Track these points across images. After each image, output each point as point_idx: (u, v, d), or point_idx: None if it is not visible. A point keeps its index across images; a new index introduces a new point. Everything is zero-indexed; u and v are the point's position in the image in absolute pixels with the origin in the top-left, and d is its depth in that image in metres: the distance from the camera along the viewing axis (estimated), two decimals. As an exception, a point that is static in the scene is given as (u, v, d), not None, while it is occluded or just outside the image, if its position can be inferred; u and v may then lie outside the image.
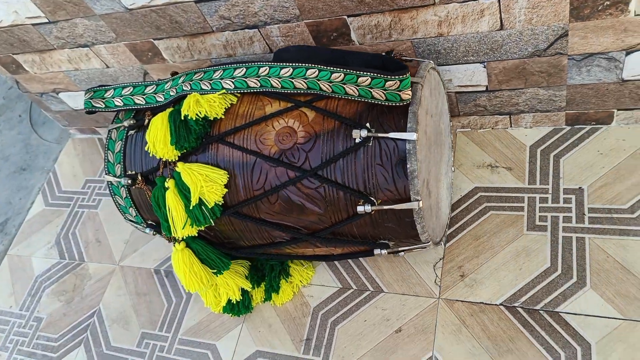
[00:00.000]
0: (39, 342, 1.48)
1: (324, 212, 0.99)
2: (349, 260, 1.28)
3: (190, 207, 1.03)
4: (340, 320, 1.21)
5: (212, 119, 1.03)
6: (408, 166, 0.91)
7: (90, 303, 1.49)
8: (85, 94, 1.21)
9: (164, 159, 1.07)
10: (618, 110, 1.19)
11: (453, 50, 1.14)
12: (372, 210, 0.94)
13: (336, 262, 1.29)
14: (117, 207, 1.22)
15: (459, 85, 1.24)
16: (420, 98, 0.93)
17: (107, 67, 1.50)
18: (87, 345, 1.42)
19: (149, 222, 1.21)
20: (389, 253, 1.09)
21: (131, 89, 1.17)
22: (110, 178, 1.18)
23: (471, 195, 1.26)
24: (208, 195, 1.02)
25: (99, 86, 1.22)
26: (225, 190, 1.03)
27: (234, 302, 1.26)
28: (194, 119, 1.02)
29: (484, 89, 1.23)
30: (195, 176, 1.02)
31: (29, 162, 1.99)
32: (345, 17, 1.13)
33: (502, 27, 1.06)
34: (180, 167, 1.04)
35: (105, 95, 1.19)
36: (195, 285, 1.15)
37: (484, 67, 1.17)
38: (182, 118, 1.03)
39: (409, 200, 0.93)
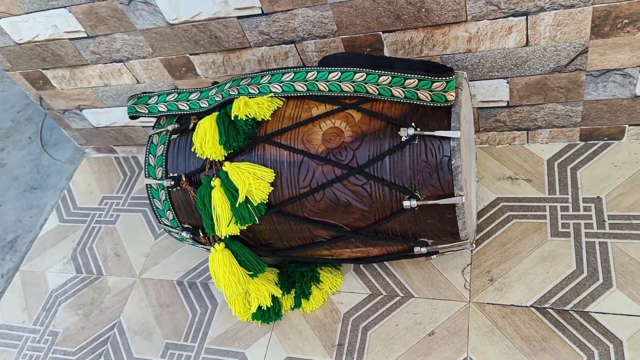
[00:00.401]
0: (56, 356, 1.44)
1: (369, 208, 1.03)
2: (377, 268, 1.31)
3: (237, 205, 1.06)
4: (371, 326, 1.23)
5: (260, 120, 1.08)
6: (453, 162, 0.96)
7: (110, 316, 1.48)
8: (129, 100, 1.26)
9: (210, 159, 1.10)
10: (630, 125, 1.28)
11: (479, 66, 1.23)
12: (417, 205, 0.99)
13: (364, 269, 1.32)
14: (154, 211, 1.24)
15: (481, 101, 1.32)
16: (460, 102, 1.00)
17: (138, 82, 1.55)
18: (108, 358, 1.39)
19: (185, 225, 1.23)
20: (426, 254, 1.13)
21: (175, 95, 1.21)
22: (151, 181, 1.20)
23: (494, 205, 1.32)
24: (256, 192, 1.05)
25: (142, 93, 1.26)
26: (272, 188, 1.06)
27: (265, 309, 1.26)
28: (244, 119, 1.06)
29: (505, 104, 1.31)
30: (243, 174, 1.05)
31: (40, 181, 1.99)
32: (381, 33, 1.21)
33: (527, 44, 1.16)
34: (228, 166, 1.08)
35: (149, 102, 1.24)
36: (234, 287, 1.16)
37: (507, 83, 1.25)
38: (232, 119, 1.07)
39: (452, 195, 0.98)
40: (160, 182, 1.19)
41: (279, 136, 1.07)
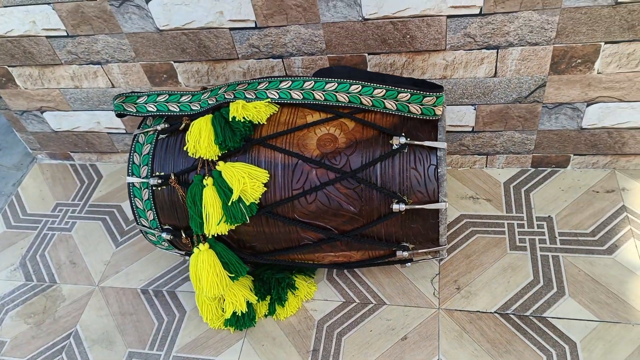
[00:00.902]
0: (1, 367, 1.34)
1: (359, 211, 1.09)
2: (350, 277, 1.36)
3: (229, 204, 1.08)
4: (346, 332, 1.26)
5: (256, 123, 1.12)
6: (439, 171, 1.05)
7: (65, 325, 1.40)
8: (115, 98, 1.25)
9: (203, 158, 1.12)
10: (574, 155, 1.45)
11: (452, 92, 1.35)
12: (405, 209, 1.06)
13: (337, 278, 1.36)
14: (133, 211, 1.22)
15: (450, 125, 1.44)
16: (445, 117, 1.11)
17: (113, 86, 1.53)
18: (63, 368, 1.31)
19: (166, 227, 1.22)
20: (402, 261, 1.19)
21: (166, 97, 1.22)
22: (134, 179, 1.19)
23: (458, 221, 1.42)
24: (250, 192, 1.08)
25: (131, 92, 1.26)
26: (265, 189, 1.09)
27: (239, 315, 1.26)
28: (241, 120, 1.10)
29: (471, 129, 1.44)
30: (239, 173, 1.08)
31: (-19, 186, 1.87)
32: (366, 54, 1.31)
33: (495, 75, 1.30)
34: (222, 165, 1.10)
35: (137, 101, 1.24)
36: (215, 289, 1.16)
37: (474, 109, 1.39)
38: (228, 120, 1.11)
39: (437, 201, 1.06)
40: (144, 180, 1.18)
41: (274, 140, 1.12)
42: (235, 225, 1.11)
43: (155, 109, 1.21)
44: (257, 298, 1.27)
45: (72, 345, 1.35)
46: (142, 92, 1.25)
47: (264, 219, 1.13)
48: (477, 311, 1.25)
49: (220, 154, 1.12)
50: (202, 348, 1.29)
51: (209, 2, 1.27)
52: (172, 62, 1.43)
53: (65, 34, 1.42)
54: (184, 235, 1.19)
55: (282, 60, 1.37)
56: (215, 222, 1.10)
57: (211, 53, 1.38)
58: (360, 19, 1.23)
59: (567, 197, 1.43)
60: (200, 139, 1.11)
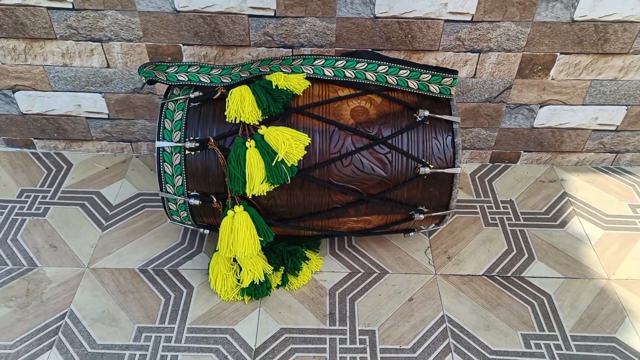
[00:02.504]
0: (-16, 352, 1.20)
1: (388, 175, 1.22)
2: (352, 251, 1.46)
3: (273, 164, 1.15)
4: (357, 297, 1.36)
5: (295, 93, 1.21)
6: (455, 140, 1.23)
7: (57, 306, 1.30)
8: (145, 66, 1.26)
9: (247, 122, 1.18)
10: (524, 151, 1.74)
11: (437, 89, 1.57)
12: (429, 172, 1.22)
13: (340, 253, 1.45)
14: (160, 177, 1.22)
15: (428, 121, 1.65)
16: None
17: (108, 66, 1.52)
18: (62, 347, 1.22)
19: (192, 192, 1.23)
20: (406, 230, 1.34)
21: (197, 68, 1.27)
22: (165, 144, 1.20)
23: (438, 205, 1.61)
24: (293, 153, 1.16)
25: (159, 61, 1.28)
26: (305, 152, 1.18)
27: (257, 284, 1.30)
28: (284, 89, 1.19)
29: (446, 125, 1.66)
30: (284, 136, 1.16)
31: None
32: (370, 49, 1.48)
33: (474, 76, 1.54)
34: (264, 129, 1.17)
35: (167, 70, 1.26)
36: (250, 249, 1.19)
37: (452, 107, 1.61)
38: (272, 88, 1.19)
39: (454, 167, 1.24)
40: (177, 144, 1.20)
41: (311, 109, 1.22)
42: (275, 185, 1.17)
43: (187, 78, 1.25)
44: (272, 268, 1.32)
45: (68, 324, 1.26)
46: (171, 63, 1.28)
47: (299, 181, 1.21)
48: (468, 274, 1.42)
49: (261, 119, 1.19)
50: (218, 319, 1.29)
51: (235, -13, 1.36)
52: (181, 44, 1.47)
53: (70, 6, 1.39)
54: (215, 199, 1.22)
55: (292, 50, 1.48)
56: (258, 182, 1.15)
57: (224, 38, 1.45)
58: (371, 16, 1.41)
59: (521, 185, 1.69)
60: (244, 104, 1.17)
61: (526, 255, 1.48)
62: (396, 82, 1.26)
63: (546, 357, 1.24)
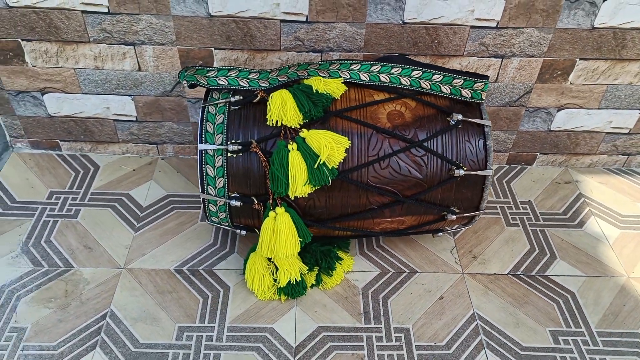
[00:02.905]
0: (29, 352, 1.21)
1: (423, 177, 1.26)
2: (381, 251, 1.50)
3: (315, 166, 1.18)
4: (389, 296, 1.40)
5: (334, 97, 1.25)
6: (487, 143, 1.28)
7: (97, 306, 1.32)
8: (187, 70, 1.28)
9: (288, 126, 1.21)
10: (540, 153, 1.79)
11: (460, 93, 1.61)
12: (463, 174, 1.26)
13: (369, 253, 1.49)
14: (202, 179, 1.24)
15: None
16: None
17: (140, 69, 1.54)
18: (106, 347, 1.24)
19: (233, 194, 1.26)
20: (436, 230, 1.38)
21: (237, 72, 1.30)
22: (207, 146, 1.23)
23: (460, 205, 1.66)
24: (334, 156, 1.19)
25: (200, 65, 1.30)
26: (345, 154, 1.22)
27: (294, 283, 1.33)
28: (324, 93, 1.22)
29: (467, 128, 1.71)
30: (326, 139, 1.19)
31: (-60, 176, 1.67)
32: (397, 54, 1.52)
33: (496, 80, 1.59)
34: (306, 132, 1.21)
35: (207, 74, 1.29)
36: (291, 248, 1.23)
37: (474, 110, 1.66)
38: (312, 93, 1.22)
39: (485, 169, 1.28)
40: (220, 147, 1.22)
41: (349, 112, 1.26)
42: (317, 187, 1.21)
43: (227, 82, 1.28)
44: (307, 268, 1.35)
45: (110, 324, 1.28)
46: (210, 67, 1.31)
47: (338, 183, 1.24)
48: (494, 273, 1.47)
49: (302, 123, 1.22)
50: (256, 317, 1.32)
51: (269, -7, 1.39)
52: (213, 48, 1.49)
53: (106, 10, 1.41)
54: (256, 201, 1.25)
55: (321, 55, 1.52)
56: (301, 184, 1.18)
57: (255, 42, 1.48)
58: (400, 22, 1.45)
59: (538, 186, 1.75)
60: (285, 108, 1.21)
61: (548, 255, 1.53)
62: (429, 87, 1.30)
63: (575, 353, 1.29)
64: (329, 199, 1.27)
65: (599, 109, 1.67)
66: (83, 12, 1.42)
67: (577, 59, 1.55)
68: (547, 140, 1.75)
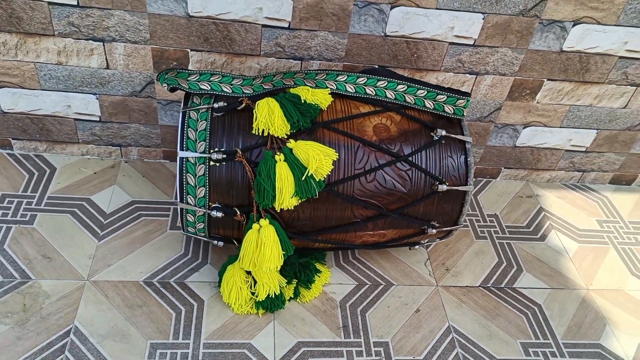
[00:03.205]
0: (-18, 374, 1.11)
1: (407, 191, 1.26)
2: (357, 263, 1.49)
3: (303, 178, 1.16)
4: (367, 309, 1.39)
5: (321, 108, 1.23)
6: (468, 159, 1.30)
7: (59, 322, 1.22)
8: (167, 72, 1.22)
9: (275, 135, 1.18)
10: (504, 168, 1.85)
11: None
12: (446, 189, 1.27)
13: (345, 265, 1.48)
14: (181, 188, 1.18)
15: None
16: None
17: (108, 67, 1.45)
18: (70, 367, 1.15)
19: (214, 204, 1.21)
20: (412, 244, 1.39)
21: (219, 77, 1.24)
22: (189, 154, 1.17)
23: (431, 217, 1.68)
24: (322, 168, 1.17)
25: (181, 68, 1.24)
26: (332, 167, 1.20)
27: (273, 297, 1.29)
28: (312, 103, 1.20)
29: (439, 141, 1.73)
30: (314, 151, 1.17)
31: None
32: (376, 66, 1.52)
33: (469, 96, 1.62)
34: (294, 143, 1.18)
35: (189, 78, 1.23)
36: (275, 261, 1.19)
37: (447, 124, 1.69)
38: (300, 103, 1.19)
39: (466, 184, 1.30)
40: (202, 155, 1.17)
41: (336, 124, 1.24)
42: (303, 199, 1.18)
43: (209, 87, 1.23)
44: (285, 281, 1.32)
45: (75, 342, 1.19)
46: (192, 70, 1.25)
47: (324, 195, 1.22)
48: (466, 286, 1.50)
49: (289, 133, 1.19)
50: (233, 333, 1.27)
51: (253, -3, 1.35)
52: (189, 49, 1.43)
53: (75, 3, 1.32)
54: (238, 212, 1.21)
55: (302, 63, 1.49)
56: (288, 196, 1.15)
57: (234, 46, 1.44)
58: (382, 34, 1.45)
59: (503, 200, 1.81)
60: (272, 117, 1.17)
61: (515, 267, 1.58)
62: (413, 101, 1.31)
63: (544, 363, 1.34)
64: (314, 211, 1.24)
65: (560, 127, 1.75)
66: (50, 3, 1.31)
67: (545, 80, 1.61)
68: (512, 156, 1.82)
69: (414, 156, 1.26)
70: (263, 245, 1.18)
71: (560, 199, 1.86)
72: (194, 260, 1.42)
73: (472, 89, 1.61)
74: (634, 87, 1.66)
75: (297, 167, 1.16)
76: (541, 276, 1.57)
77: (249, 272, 1.29)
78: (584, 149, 1.83)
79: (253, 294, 1.29)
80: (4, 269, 1.31)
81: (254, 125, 1.18)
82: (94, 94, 1.50)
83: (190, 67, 1.47)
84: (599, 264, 1.64)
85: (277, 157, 1.16)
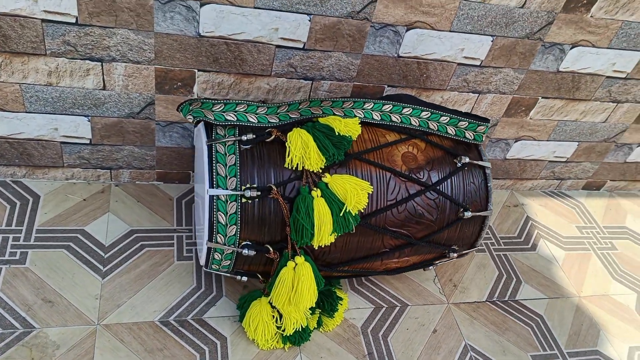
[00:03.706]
0: None
1: (434, 219, 1.27)
2: (370, 285, 1.49)
3: (341, 214, 1.12)
4: (388, 333, 1.39)
5: (353, 139, 1.19)
6: (489, 184, 1.33)
7: (75, 376, 1.12)
8: (192, 103, 1.13)
9: (310, 170, 1.13)
10: (493, 179, 1.91)
11: (437, 125, 1.64)
12: (470, 215, 1.29)
13: (359, 287, 1.47)
14: (212, 227, 1.11)
15: (422, 152, 1.73)
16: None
17: (104, 88, 1.33)
18: None
19: (245, 242, 1.15)
20: (426, 265, 1.41)
21: (245, 107, 1.17)
22: (220, 192, 1.10)
23: (432, 232, 1.70)
24: (358, 202, 1.14)
25: (204, 98, 1.15)
26: (367, 200, 1.17)
27: (299, 330, 1.26)
28: (346, 135, 1.16)
29: (437, 156, 1.75)
30: (350, 185, 1.13)
31: None
32: (386, 86, 1.50)
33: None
34: (329, 178, 1.14)
35: (213, 108, 1.14)
36: (312, 299, 1.16)
37: (446, 140, 1.71)
38: (334, 135, 1.15)
39: (486, 209, 1.33)
40: (235, 192, 1.10)
41: (367, 154, 1.21)
42: (340, 234, 1.15)
43: (236, 118, 1.15)
44: (310, 312, 1.29)
45: (97, 397, 1.10)
46: (216, 100, 1.17)
47: (357, 228, 1.19)
48: (475, 302, 1.54)
49: (323, 167, 1.15)
50: (262, 371, 1.23)
51: (269, 18, 1.27)
52: (196, 70, 1.34)
53: (73, 21, 1.18)
54: (271, 249, 1.15)
55: (312, 83, 1.44)
56: (327, 233, 1.12)
57: (245, 67, 1.36)
58: (395, 55, 1.43)
59: (494, 210, 1.87)
60: (308, 151, 1.12)
61: (514, 279, 1.64)
62: (436, 128, 1.31)
63: (554, 375, 1.41)
64: (345, 244, 1.22)
65: (547, 140, 1.82)
66: (43, 20, 1.17)
67: (540, 97, 1.67)
68: (501, 167, 1.87)
69: (441, 185, 1.27)
70: (300, 284, 1.14)
71: (543, 206, 1.95)
72: (209, 293, 1.35)
73: (472, 107, 1.63)
74: (615, 104, 1.76)
75: (334, 203, 1.13)
76: (538, 286, 1.64)
77: (273, 307, 1.24)
78: (564, 159, 1.92)
79: (279, 327, 1.25)
80: (1, 318, 1.17)
81: (287, 160, 1.13)
82: (85, 116, 1.37)
83: (196, 88, 1.37)
84: (585, 270, 1.74)
85: (313, 193, 1.12)
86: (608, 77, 1.66)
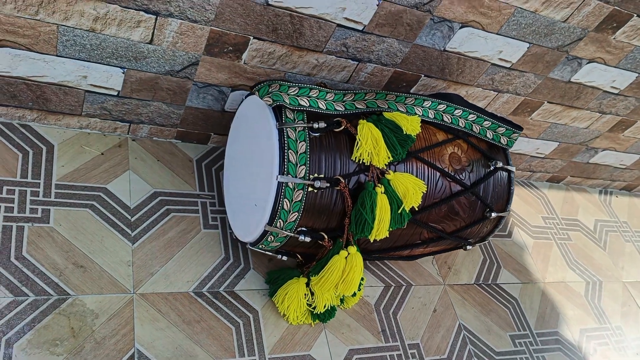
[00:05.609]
0: (52, 419, 0.97)
1: (466, 217, 1.36)
2: (380, 264, 1.57)
3: (399, 211, 1.17)
4: (397, 311, 1.50)
5: (414, 138, 1.22)
6: (512, 188, 1.43)
7: (118, 346, 1.10)
8: (270, 84, 1.07)
9: (376, 166, 1.15)
10: (481, 166, 2.04)
11: (454, 115, 1.71)
12: (495, 216, 1.40)
13: (371, 266, 1.55)
14: (275, 212, 1.11)
15: (431, 137, 1.79)
16: (501, 146, 1.48)
17: (151, 42, 1.22)
18: (147, 399, 1.06)
19: (301, 228, 1.16)
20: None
21: (317, 92, 1.14)
22: (289, 179, 1.09)
23: (429, 214, 1.81)
24: (414, 201, 1.20)
25: (280, 80, 1.10)
26: (421, 199, 1.23)
27: (328, 309, 1.32)
28: (410, 135, 1.19)
29: (443, 142, 1.83)
30: (410, 184, 1.18)
31: None
32: (423, 75, 1.52)
33: (485, 108, 1.73)
34: (392, 175, 1.17)
35: (289, 91, 1.10)
36: (357, 286, 1.21)
37: (456, 129, 1.78)
38: (402, 133, 1.17)
39: (505, 210, 1.44)
40: (304, 181, 1.10)
41: (422, 153, 1.25)
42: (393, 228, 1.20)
43: (308, 104, 1.13)
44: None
45: (143, 370, 1.09)
46: (291, 82, 1.12)
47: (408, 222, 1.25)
48: (465, 284, 1.69)
49: (387, 163, 1.18)
50: (292, 345, 1.29)
51: (341, -4, 1.23)
52: (252, 36, 1.26)
53: (139, -32, 1.06)
54: (326, 237, 1.18)
55: (357, 64, 1.42)
56: (385, 228, 1.16)
57: (301, 40, 1.31)
58: (442, 49, 1.45)
59: (478, 196, 2.01)
60: (378, 148, 1.14)
61: (496, 264, 1.82)
62: (478, 131, 1.37)
63: (527, 354, 1.62)
64: (389, 237, 1.27)
65: (536, 138, 1.97)
66: (106, -38, 1.03)
67: (546, 102, 1.78)
68: (490, 157, 2.00)
69: (478, 186, 1.35)
70: (351, 273, 1.19)
71: (517, 195, 2.13)
72: (237, 265, 1.35)
73: (488, 104, 1.71)
74: (600, 114, 1.93)
75: (395, 200, 1.17)
76: (513, 272, 1.83)
77: (308, 285, 1.29)
78: (543, 156, 2.09)
79: (309, 305, 1.30)
80: (32, 283, 1.10)
81: (355, 153, 1.14)
82: (121, 68, 1.25)
83: (245, 55, 1.30)
84: (547, 258, 1.97)
85: (377, 189, 1.15)
86: (605, 91, 1.80)
